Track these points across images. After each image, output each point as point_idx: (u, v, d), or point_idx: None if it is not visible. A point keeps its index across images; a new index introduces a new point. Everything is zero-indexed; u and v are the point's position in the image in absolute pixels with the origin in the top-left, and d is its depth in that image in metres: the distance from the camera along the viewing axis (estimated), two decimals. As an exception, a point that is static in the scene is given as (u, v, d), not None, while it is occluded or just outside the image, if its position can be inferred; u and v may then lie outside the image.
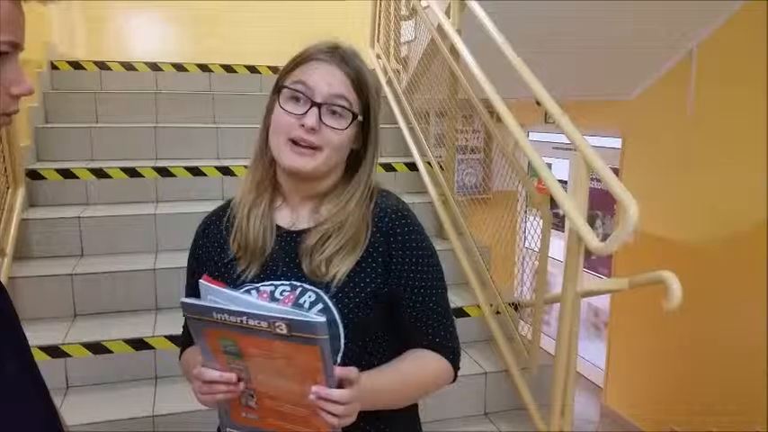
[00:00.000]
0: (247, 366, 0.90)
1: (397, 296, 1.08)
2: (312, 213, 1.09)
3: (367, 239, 1.06)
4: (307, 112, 1.00)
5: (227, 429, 1.00)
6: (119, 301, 2.51)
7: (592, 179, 2.00)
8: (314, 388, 0.86)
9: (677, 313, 1.75)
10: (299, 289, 1.04)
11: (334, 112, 1.02)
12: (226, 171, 3.08)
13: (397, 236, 1.07)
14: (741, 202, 3.62)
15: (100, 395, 2.20)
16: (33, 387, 0.73)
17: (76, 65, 3.75)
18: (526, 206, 2.78)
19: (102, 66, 3.76)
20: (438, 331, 1.10)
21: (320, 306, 1.02)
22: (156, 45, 4.53)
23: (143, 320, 2.45)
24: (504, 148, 2.60)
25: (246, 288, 1.06)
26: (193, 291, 1.10)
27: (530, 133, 5.30)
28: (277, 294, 1.05)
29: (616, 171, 4.55)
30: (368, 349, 1.06)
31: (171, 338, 2.31)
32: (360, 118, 1.05)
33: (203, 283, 0.94)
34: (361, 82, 1.04)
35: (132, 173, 2.98)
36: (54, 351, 2.22)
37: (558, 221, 3.86)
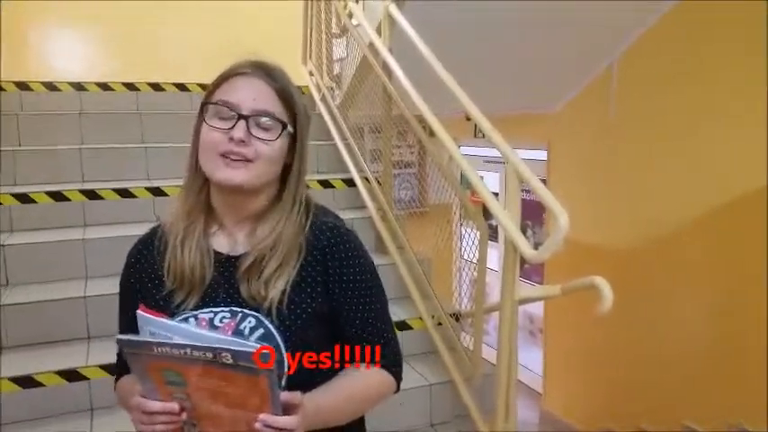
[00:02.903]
0: (190, 395, 0.89)
1: (338, 313, 1.08)
2: (248, 237, 1.08)
3: (301, 257, 1.06)
4: (234, 125, 1.00)
5: None
6: (48, 331, 2.40)
7: (522, 190, 2.08)
8: (261, 416, 0.86)
9: (608, 316, 1.84)
10: (240, 315, 1.03)
11: (261, 125, 1.01)
12: (157, 192, 3.00)
13: (333, 253, 1.08)
14: (665, 205, 3.81)
15: (32, 431, 2.09)
16: None
17: (-6, 85, 3.59)
18: (461, 218, 2.85)
19: (22, 86, 3.61)
20: (382, 348, 1.11)
21: (261, 332, 1.01)
22: (79, 64, 4.38)
23: (75, 350, 2.34)
24: (439, 162, 2.66)
25: (184, 316, 1.03)
26: (128, 320, 1.06)
27: (460, 148, 5.42)
28: (216, 321, 1.03)
29: (543, 182, 4.71)
30: (312, 370, 1.05)
31: (105, 368, 2.23)
32: (290, 129, 1.04)
33: (141, 314, 0.92)
34: (286, 95, 1.04)
35: (58, 197, 2.86)
36: (-21, 388, 2.10)
37: (492, 232, 3.95)
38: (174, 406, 0.90)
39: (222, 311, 1.03)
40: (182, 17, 4.47)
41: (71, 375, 2.21)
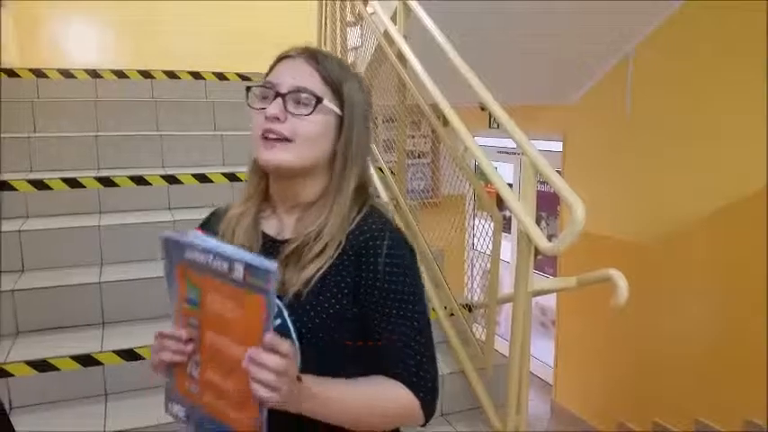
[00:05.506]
0: (201, 321, 0.91)
1: (368, 323, 1.00)
2: (296, 223, 1.06)
3: (338, 252, 1.00)
4: (271, 103, 1.00)
5: (167, 412, 1.00)
6: (63, 316, 2.42)
7: (538, 182, 2.06)
8: (249, 350, 0.82)
9: (622, 309, 1.82)
10: None
11: (299, 102, 1.00)
12: (171, 180, 3.00)
13: (369, 256, 1.00)
14: (680, 200, 3.78)
15: (47, 415, 2.11)
16: None
17: (11, 72, 3.60)
18: (473, 209, 2.84)
19: (38, 73, 3.62)
20: (410, 365, 1.00)
21: (278, 321, 0.96)
22: (95, 51, 4.40)
23: (90, 336, 2.36)
24: (454, 152, 2.64)
25: None
26: None
27: (475, 138, 5.39)
28: None
29: (559, 173, 4.68)
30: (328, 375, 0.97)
31: (120, 353, 2.25)
32: (331, 106, 1.02)
33: (197, 233, 0.94)
34: (331, 77, 1.02)
35: (74, 183, 2.87)
36: (-5, 371, 2.12)
37: (506, 223, 3.94)
38: (182, 333, 0.92)
39: None
40: (196, 6, 4.47)
41: (86, 360, 2.23)
